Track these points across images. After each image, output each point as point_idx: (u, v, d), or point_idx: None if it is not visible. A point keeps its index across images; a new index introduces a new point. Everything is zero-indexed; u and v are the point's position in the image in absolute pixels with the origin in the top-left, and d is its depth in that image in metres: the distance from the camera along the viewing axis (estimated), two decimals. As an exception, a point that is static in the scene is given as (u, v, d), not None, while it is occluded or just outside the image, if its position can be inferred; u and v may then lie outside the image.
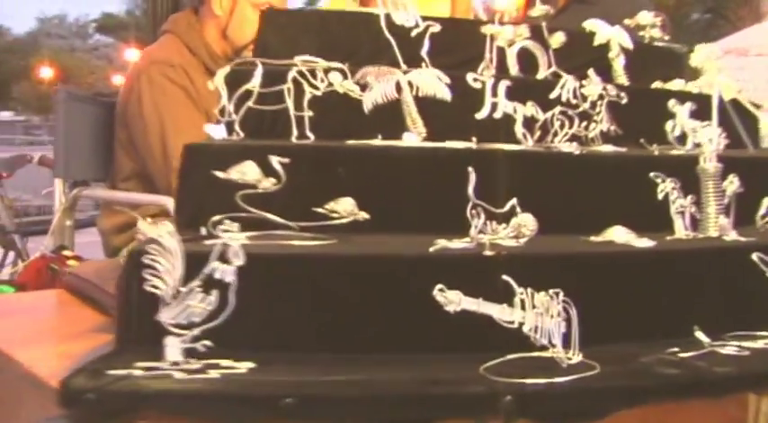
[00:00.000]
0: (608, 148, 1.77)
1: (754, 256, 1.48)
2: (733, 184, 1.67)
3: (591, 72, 1.89)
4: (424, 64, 1.78)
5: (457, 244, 1.33)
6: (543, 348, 1.23)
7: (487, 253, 1.29)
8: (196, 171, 1.47)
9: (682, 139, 1.91)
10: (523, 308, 1.23)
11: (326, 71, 1.66)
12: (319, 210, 1.40)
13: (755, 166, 1.81)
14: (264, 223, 1.39)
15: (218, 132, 1.59)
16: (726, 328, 1.42)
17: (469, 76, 1.67)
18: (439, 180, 1.44)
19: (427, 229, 1.40)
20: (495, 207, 1.43)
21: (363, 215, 1.41)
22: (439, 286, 1.20)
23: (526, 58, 1.94)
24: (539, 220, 1.49)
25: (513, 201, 1.45)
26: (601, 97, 1.83)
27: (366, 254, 1.28)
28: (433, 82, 1.65)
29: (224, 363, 1.19)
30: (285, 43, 1.88)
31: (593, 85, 1.83)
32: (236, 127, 1.61)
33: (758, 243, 1.54)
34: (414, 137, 1.64)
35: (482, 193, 1.42)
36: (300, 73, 1.64)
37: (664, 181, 1.61)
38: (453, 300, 1.18)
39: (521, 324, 1.22)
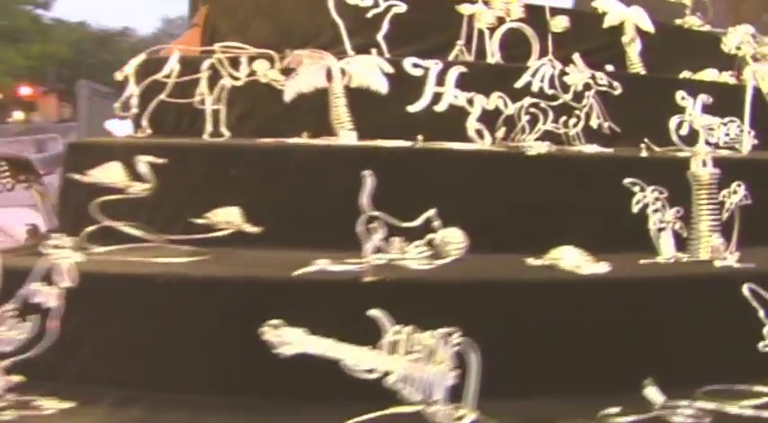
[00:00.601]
0: (591, 149, 1.47)
1: (745, 289, 1.16)
2: (736, 193, 1.34)
3: (576, 57, 1.58)
4: (376, 50, 1.54)
5: (339, 266, 1.09)
6: (418, 404, 0.98)
7: (368, 279, 1.04)
8: (77, 173, 1.29)
9: (690, 138, 1.58)
10: (394, 352, 0.98)
11: (252, 59, 1.46)
12: (198, 220, 1.19)
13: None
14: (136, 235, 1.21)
15: (120, 129, 1.42)
16: (698, 380, 1.11)
17: (407, 63, 1.41)
18: (339, 186, 1.20)
19: (321, 243, 1.17)
20: (405, 220, 1.18)
21: (248, 227, 1.19)
22: (274, 322, 0.97)
23: (518, 44, 1.66)
24: (471, 236, 1.23)
25: (431, 213, 1.20)
26: (587, 87, 1.53)
27: (206, 277, 1.06)
28: (369, 71, 1.40)
29: (39, 401, 1.01)
30: (236, 27, 1.69)
31: (577, 73, 1.53)
32: (144, 122, 1.44)
33: (755, 271, 1.21)
34: (351, 135, 1.41)
35: (388, 203, 1.17)
36: (220, 61, 1.44)
37: (643, 190, 1.30)
38: (290, 340, 0.95)
39: (385, 373, 0.97)
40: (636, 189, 1.29)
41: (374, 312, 0.98)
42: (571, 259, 1.18)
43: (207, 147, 1.32)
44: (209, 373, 1.02)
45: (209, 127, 1.41)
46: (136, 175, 1.19)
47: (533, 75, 1.48)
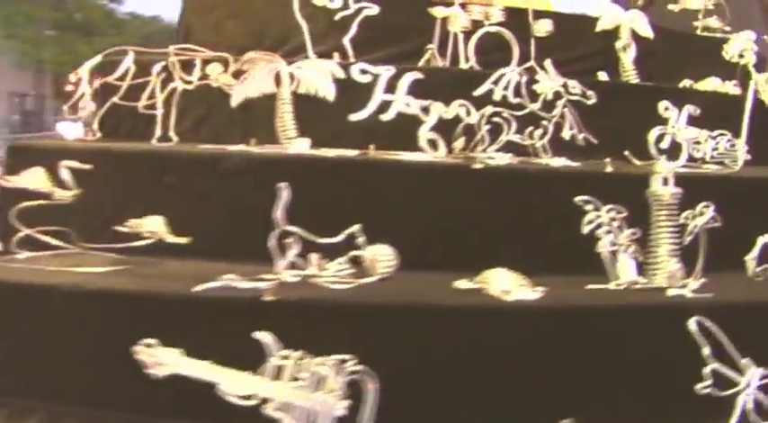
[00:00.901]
0: (557, 162, 1.38)
1: (692, 323, 1.06)
2: (703, 215, 1.23)
3: (548, 63, 1.49)
4: (338, 54, 1.48)
5: (247, 282, 1.05)
6: (301, 433, 0.92)
7: (268, 298, 1.00)
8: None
9: (673, 151, 1.47)
10: (278, 378, 0.93)
11: (206, 62, 1.42)
12: (122, 229, 1.17)
13: (747, 192, 1.34)
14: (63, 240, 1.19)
15: (71, 131, 1.41)
16: (625, 421, 1.03)
17: (355, 69, 1.35)
18: (260, 198, 1.14)
19: (242, 257, 1.12)
20: (325, 235, 1.12)
21: (171, 238, 1.16)
22: (149, 341, 0.93)
23: (498, 49, 1.57)
24: (402, 253, 1.17)
25: (354, 228, 1.14)
26: (558, 96, 1.44)
27: (100, 290, 1.03)
28: (318, 76, 1.35)
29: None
30: (211, 28, 1.65)
31: (548, 81, 1.44)
32: (95, 126, 1.42)
33: (710, 302, 1.11)
34: (305, 143, 1.36)
35: (314, 217, 1.12)
36: (173, 64, 1.41)
37: (598, 209, 1.21)
38: (164, 360, 0.91)
39: (264, 400, 0.92)
40: (589, 208, 1.20)
41: (259, 335, 0.93)
42: (501, 283, 1.10)
43: (139, 153, 1.29)
44: (102, 387, 0.99)
45: (158, 131, 1.39)
46: (60, 181, 1.17)
47: (496, 82, 1.40)
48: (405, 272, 1.15)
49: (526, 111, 1.41)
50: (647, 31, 1.71)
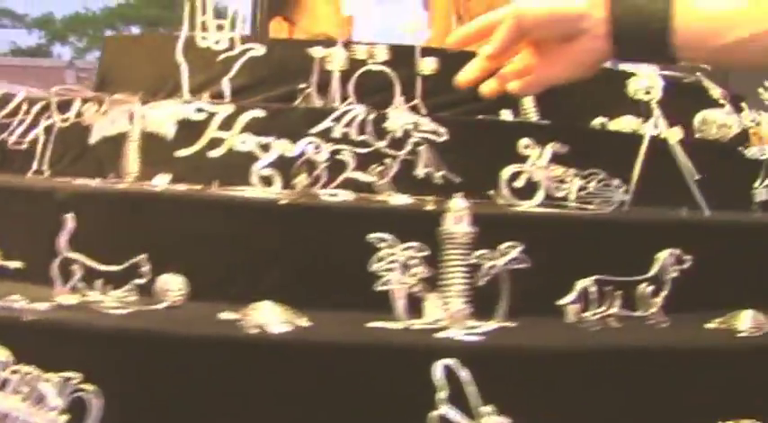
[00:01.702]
0: (397, 199, 1.39)
1: (437, 367, 1.04)
2: (504, 256, 1.20)
3: (399, 100, 1.49)
4: (207, 94, 1.55)
5: (24, 303, 1.13)
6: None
7: (28, 319, 1.07)
8: None
9: (528, 191, 1.43)
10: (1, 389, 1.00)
11: (85, 101, 1.54)
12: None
13: (570, 234, 1.29)
14: None
15: (-38, 164, 1.56)
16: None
17: (191, 108, 1.42)
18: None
19: (37, 280, 1.22)
20: (105, 262, 1.19)
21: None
22: None
23: (383, 89, 1.59)
24: (192, 281, 1.22)
25: (140, 258, 1.20)
26: (407, 134, 1.44)
27: None
28: (164, 116, 1.42)
29: None
30: (126, 70, 1.79)
31: (397, 119, 1.45)
32: (-18, 157, 1.57)
33: (472, 346, 1.08)
34: (165, 178, 1.44)
35: (99, 247, 1.19)
36: (50, 103, 1.53)
37: (392, 246, 1.21)
38: None
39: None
40: (382, 245, 1.20)
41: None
42: (264, 316, 1.13)
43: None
44: None
45: (34, 164, 1.51)
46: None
47: (337, 119, 1.42)
48: (194, 302, 1.21)
49: (371, 148, 1.42)
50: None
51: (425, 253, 1.20)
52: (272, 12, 2.91)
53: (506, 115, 1.61)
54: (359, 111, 1.43)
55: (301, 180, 1.39)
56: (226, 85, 1.58)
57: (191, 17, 1.62)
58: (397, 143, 1.44)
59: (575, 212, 1.36)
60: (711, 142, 1.73)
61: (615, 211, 1.44)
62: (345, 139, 1.41)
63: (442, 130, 1.44)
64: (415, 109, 1.53)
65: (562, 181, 1.44)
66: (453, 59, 1.41)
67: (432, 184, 1.45)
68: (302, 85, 1.58)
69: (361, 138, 1.42)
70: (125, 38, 2.12)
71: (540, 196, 1.42)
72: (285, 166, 1.39)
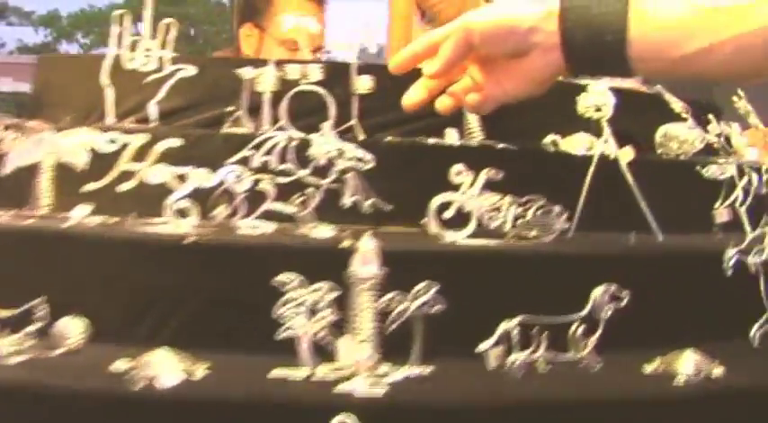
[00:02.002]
0: (320, 232, 1.31)
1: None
2: (417, 299, 1.13)
3: (326, 125, 1.41)
4: (132, 119, 1.49)
5: None
6: None
7: None
8: None
9: (459, 221, 1.35)
10: None
11: (7, 128, 1.48)
12: None
13: (491, 262, 1.21)
14: None
15: None
16: None
17: (102, 138, 1.35)
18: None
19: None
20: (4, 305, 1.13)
21: None
22: None
23: (318, 110, 1.51)
24: (94, 324, 1.16)
25: (38, 301, 1.14)
26: (331, 162, 1.37)
27: None
28: (77, 145, 1.36)
29: None
30: (59, 92, 1.73)
31: (321, 145, 1.37)
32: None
33: (375, 401, 1.01)
34: (85, 209, 1.37)
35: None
36: None
37: (301, 287, 1.14)
38: None
39: None
40: (287, 288, 1.13)
41: None
42: (154, 367, 1.06)
43: None
44: None
45: (-47, 195, 1.46)
46: None
47: (257, 147, 1.35)
48: (100, 344, 1.15)
49: (293, 177, 1.35)
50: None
51: (336, 294, 1.13)
52: (242, 18, 2.86)
53: (451, 134, 1.53)
54: (280, 138, 1.36)
55: (220, 211, 1.33)
56: (153, 108, 1.51)
57: (119, 36, 1.56)
58: (321, 171, 1.36)
59: (503, 245, 1.28)
60: (668, 161, 1.64)
61: (554, 241, 1.35)
62: (265, 169, 1.34)
63: (369, 156, 1.36)
64: (350, 131, 1.46)
65: (497, 209, 1.36)
66: (392, 77, 1.34)
67: (360, 213, 1.37)
68: (230, 109, 1.51)
69: (282, 167, 1.35)
70: (58, 58, 2.07)
71: (471, 227, 1.33)
72: (203, 198, 1.32)
